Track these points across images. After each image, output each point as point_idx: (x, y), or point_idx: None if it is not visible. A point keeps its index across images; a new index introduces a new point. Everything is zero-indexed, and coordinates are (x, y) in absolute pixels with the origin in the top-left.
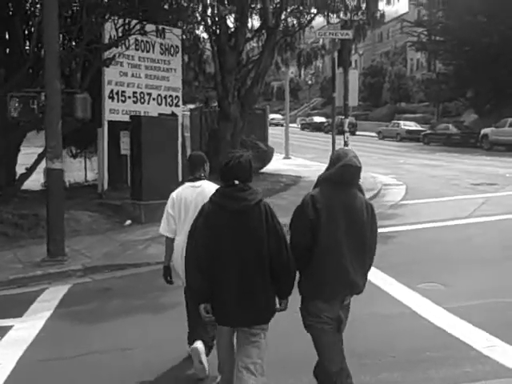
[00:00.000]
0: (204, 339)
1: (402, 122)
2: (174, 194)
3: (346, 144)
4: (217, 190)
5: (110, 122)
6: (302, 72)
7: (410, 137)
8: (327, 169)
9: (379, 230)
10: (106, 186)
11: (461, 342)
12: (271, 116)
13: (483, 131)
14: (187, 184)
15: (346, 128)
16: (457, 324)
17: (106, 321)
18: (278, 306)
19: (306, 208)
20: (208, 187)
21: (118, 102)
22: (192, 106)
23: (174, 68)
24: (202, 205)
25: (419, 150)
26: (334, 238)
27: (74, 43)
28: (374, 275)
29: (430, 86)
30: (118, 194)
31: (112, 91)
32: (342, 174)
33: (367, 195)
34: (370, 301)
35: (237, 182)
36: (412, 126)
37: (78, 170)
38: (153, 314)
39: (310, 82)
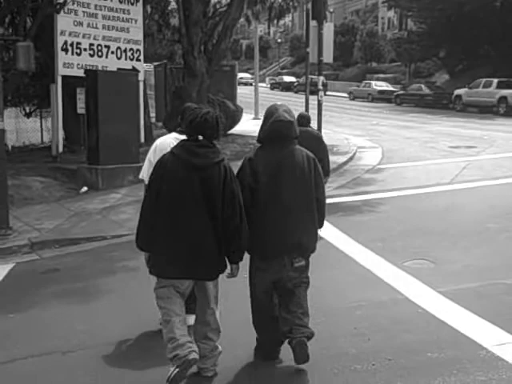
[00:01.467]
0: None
1: (373, 82)
2: (157, 141)
3: (319, 103)
4: (179, 143)
5: (66, 78)
6: (272, 29)
7: (382, 97)
8: (261, 127)
9: (357, 198)
10: (60, 149)
11: (466, 338)
12: (240, 75)
13: (456, 92)
14: (174, 134)
15: (321, 86)
16: (456, 313)
17: (46, 312)
18: (228, 271)
19: (244, 171)
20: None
21: (72, 54)
22: (156, 64)
23: (135, 18)
24: (162, 155)
25: (391, 111)
26: (274, 196)
27: None
28: (356, 251)
29: (401, 45)
30: (76, 157)
31: (66, 43)
32: (274, 130)
33: (342, 158)
34: (356, 284)
35: (201, 137)
36: (383, 86)
37: (33, 130)
38: (103, 301)
39: (279, 41)
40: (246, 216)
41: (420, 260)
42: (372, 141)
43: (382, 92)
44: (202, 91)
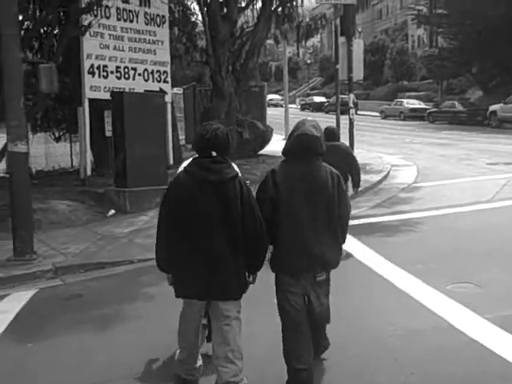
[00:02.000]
0: None
1: (405, 101)
2: (184, 163)
3: (351, 122)
4: (192, 160)
5: (94, 101)
6: (301, 50)
7: (414, 115)
8: (287, 140)
9: (394, 217)
10: (88, 172)
11: None
12: (270, 96)
13: (491, 108)
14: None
15: (352, 104)
16: (506, 342)
17: (66, 342)
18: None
19: (266, 183)
20: None
21: (99, 77)
22: (185, 86)
23: (161, 40)
24: (176, 173)
25: (424, 129)
26: (295, 211)
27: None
28: (394, 274)
29: (432, 62)
30: (104, 180)
31: (92, 66)
32: (298, 143)
33: (376, 177)
34: (396, 310)
35: (214, 153)
36: (415, 104)
37: (62, 154)
38: (126, 329)
39: (308, 61)
40: (269, 231)
41: (463, 283)
42: (406, 159)
43: (413, 110)
44: (230, 112)
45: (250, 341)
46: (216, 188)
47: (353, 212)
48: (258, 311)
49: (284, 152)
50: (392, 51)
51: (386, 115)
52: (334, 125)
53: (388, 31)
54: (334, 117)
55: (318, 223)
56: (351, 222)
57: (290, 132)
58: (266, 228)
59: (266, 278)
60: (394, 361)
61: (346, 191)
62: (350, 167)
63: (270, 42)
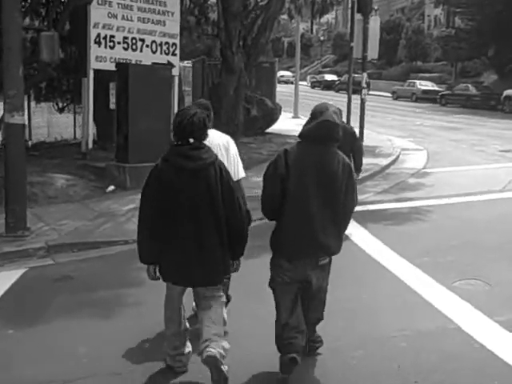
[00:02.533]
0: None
1: (417, 82)
2: None
3: (363, 102)
4: (170, 148)
5: (100, 72)
6: (315, 27)
7: (426, 97)
8: (307, 123)
9: (402, 204)
10: (90, 145)
11: None
12: (281, 73)
13: (506, 92)
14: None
15: (364, 84)
16: None
17: (49, 330)
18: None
19: (277, 162)
20: (216, 136)
21: (105, 48)
22: (194, 60)
23: (172, 11)
24: (155, 164)
25: (436, 112)
26: (302, 195)
27: None
28: (400, 267)
29: (448, 44)
30: (107, 154)
31: (99, 35)
32: (319, 130)
33: (384, 161)
34: (400, 308)
35: (191, 140)
36: (428, 85)
37: (66, 126)
38: (115, 317)
39: (322, 38)
40: (272, 207)
41: (472, 280)
42: (416, 142)
43: (426, 92)
44: (239, 88)
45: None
46: (196, 175)
47: (359, 197)
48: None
49: (301, 135)
50: (408, 30)
51: (397, 96)
52: (345, 104)
53: (404, 10)
54: (344, 96)
55: (324, 210)
56: (357, 208)
57: (310, 115)
58: (270, 202)
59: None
60: (396, 367)
61: (355, 183)
62: (353, 149)
63: (283, 17)
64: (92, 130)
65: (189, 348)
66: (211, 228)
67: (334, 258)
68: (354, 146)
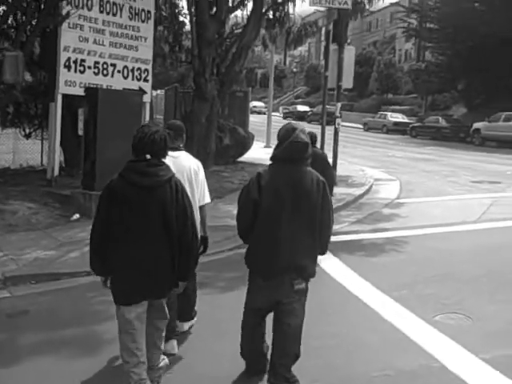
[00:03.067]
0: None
1: (388, 114)
2: None
3: (336, 132)
4: (127, 164)
5: (68, 97)
6: (288, 59)
7: (397, 129)
8: (277, 146)
9: (377, 235)
10: (56, 172)
11: None
12: (253, 103)
13: (475, 125)
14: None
15: (338, 113)
16: None
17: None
18: (174, 287)
19: (250, 186)
20: (187, 159)
21: (75, 72)
22: (167, 88)
23: (145, 37)
24: (110, 179)
25: (407, 143)
26: (275, 216)
27: None
28: (378, 301)
29: (419, 77)
30: (73, 181)
31: (69, 59)
32: (290, 151)
33: (358, 191)
34: (381, 345)
35: (149, 156)
36: (399, 117)
37: (32, 152)
38: (67, 359)
39: (294, 70)
40: (248, 231)
41: (453, 314)
42: (389, 173)
43: (397, 124)
44: (212, 116)
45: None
46: (151, 192)
47: (333, 227)
48: None
49: (273, 157)
50: (379, 64)
51: (368, 127)
52: (319, 134)
53: (376, 44)
54: (317, 127)
55: (298, 228)
56: (332, 238)
57: (278, 138)
58: (243, 228)
59: None
60: None
61: (331, 200)
62: (324, 175)
63: (257, 49)
64: (59, 156)
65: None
66: (161, 246)
67: (310, 292)
68: (325, 171)
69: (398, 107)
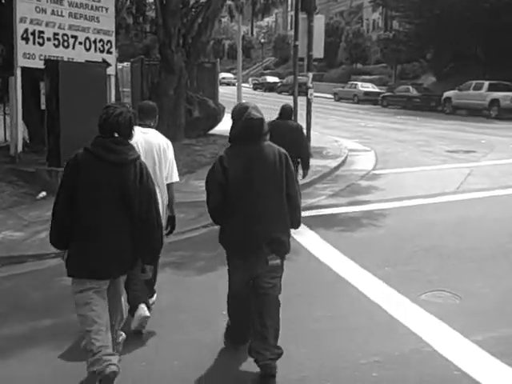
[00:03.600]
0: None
1: (359, 84)
2: None
3: (309, 102)
4: (94, 140)
5: (29, 71)
6: (255, 30)
7: (368, 98)
8: (232, 126)
9: (355, 208)
10: (20, 148)
11: None
12: (222, 75)
13: (446, 94)
14: (137, 128)
15: (310, 84)
16: (505, 376)
17: None
18: (142, 273)
19: (215, 170)
20: (155, 135)
21: (34, 44)
22: (132, 60)
23: (106, 7)
24: (75, 153)
25: (378, 113)
26: (244, 192)
27: None
28: (362, 279)
29: (387, 46)
30: (38, 157)
31: (26, 31)
32: (245, 129)
33: (333, 163)
34: (368, 329)
35: (116, 134)
36: (369, 87)
37: None
38: (29, 354)
39: (262, 41)
40: (219, 214)
41: (439, 292)
42: (363, 144)
43: (367, 93)
44: (179, 88)
45: None
46: (115, 168)
47: (309, 201)
48: None
49: (231, 138)
50: (348, 33)
51: (339, 97)
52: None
53: (343, 14)
54: (287, 98)
55: (267, 203)
56: (308, 213)
57: (232, 118)
58: (214, 211)
59: None
60: None
61: (295, 171)
62: (300, 148)
63: (224, 19)
64: (22, 131)
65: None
66: (124, 223)
67: (290, 271)
68: (301, 143)
69: (367, 77)
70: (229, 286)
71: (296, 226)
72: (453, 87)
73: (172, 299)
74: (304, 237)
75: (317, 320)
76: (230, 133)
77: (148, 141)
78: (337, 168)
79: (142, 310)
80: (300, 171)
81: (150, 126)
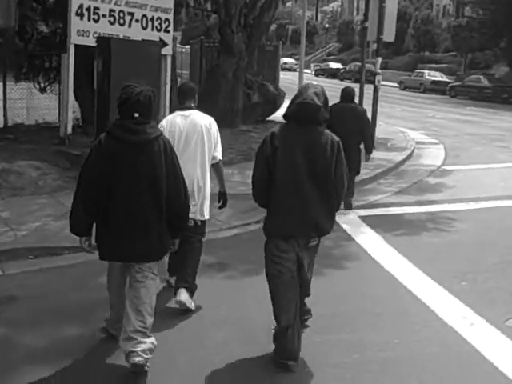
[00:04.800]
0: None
1: (426, 72)
2: (163, 122)
3: (376, 90)
4: (114, 122)
5: (84, 49)
6: (320, 15)
7: (435, 88)
8: (290, 104)
9: (423, 209)
10: (70, 130)
11: None
12: (284, 60)
13: None
14: (177, 112)
15: (378, 69)
16: None
17: None
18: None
19: (264, 145)
20: (199, 116)
21: (88, 20)
22: (192, 41)
23: None
24: (99, 137)
25: (446, 103)
26: (291, 175)
27: None
28: (432, 293)
29: (459, 33)
30: (88, 139)
31: (81, 6)
32: (299, 112)
33: (399, 156)
34: (443, 363)
35: (136, 114)
36: (437, 76)
37: (48, 107)
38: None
39: (327, 26)
40: (262, 189)
41: None
42: (430, 136)
43: (435, 83)
44: (239, 71)
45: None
46: (140, 149)
47: (373, 198)
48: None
49: (285, 116)
50: (416, 19)
51: (405, 86)
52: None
53: None
54: (350, 85)
55: (314, 188)
56: (371, 211)
57: (292, 97)
58: (259, 187)
59: None
60: None
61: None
62: (363, 131)
63: (288, 4)
64: (72, 112)
65: None
66: (150, 203)
67: (353, 281)
68: (365, 128)
69: (435, 65)
70: (268, 275)
71: (336, 210)
72: None
73: (213, 307)
74: (366, 239)
75: (380, 346)
76: (286, 110)
77: (192, 122)
78: (403, 162)
79: (183, 295)
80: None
81: (190, 108)
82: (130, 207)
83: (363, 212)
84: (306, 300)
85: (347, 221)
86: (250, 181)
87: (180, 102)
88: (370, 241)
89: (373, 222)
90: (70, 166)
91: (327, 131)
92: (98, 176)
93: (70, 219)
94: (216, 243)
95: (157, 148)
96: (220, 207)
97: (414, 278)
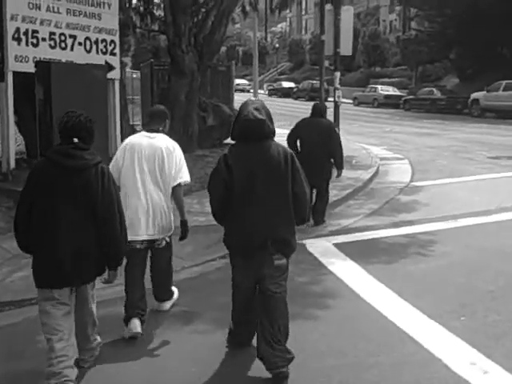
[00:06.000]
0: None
1: (379, 87)
2: (126, 140)
3: (337, 106)
4: (53, 147)
5: (24, 75)
6: (269, 35)
7: (389, 102)
8: (233, 124)
9: (399, 231)
10: (12, 164)
11: None
12: (237, 81)
13: (473, 96)
14: (143, 133)
15: (338, 84)
16: None
17: None
18: (106, 276)
19: (219, 166)
20: (164, 140)
21: (27, 45)
22: (142, 64)
23: (108, 2)
24: (36, 163)
25: (402, 117)
26: (248, 191)
27: None
28: (434, 335)
29: (408, 47)
30: None
31: (18, 30)
32: (244, 129)
33: (365, 174)
34: None
35: (76, 140)
36: (390, 90)
37: None
38: None
39: (277, 45)
40: (222, 210)
41: None
42: (393, 151)
43: (388, 97)
44: (192, 92)
45: None
46: (75, 174)
47: (344, 223)
48: None
49: (232, 137)
50: (364, 35)
51: (359, 102)
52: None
53: (360, 15)
54: (304, 103)
55: (271, 202)
56: (344, 238)
57: (236, 114)
58: (216, 208)
59: None
60: None
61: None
62: (332, 146)
63: (237, 25)
64: (16, 146)
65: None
66: (87, 228)
67: (336, 319)
68: (332, 141)
69: (387, 80)
70: (232, 287)
71: (300, 223)
72: (477, 89)
73: (176, 366)
74: (345, 271)
75: None
76: (231, 131)
77: (152, 145)
78: (370, 180)
79: (134, 324)
80: (334, 172)
81: (157, 131)
82: (67, 235)
83: (338, 239)
84: (294, 350)
85: (322, 251)
86: (209, 210)
87: (148, 123)
88: (349, 273)
89: (350, 251)
90: (13, 204)
91: (277, 143)
92: (35, 200)
93: (16, 238)
94: (180, 286)
95: (94, 175)
96: (180, 238)
97: (405, 315)
